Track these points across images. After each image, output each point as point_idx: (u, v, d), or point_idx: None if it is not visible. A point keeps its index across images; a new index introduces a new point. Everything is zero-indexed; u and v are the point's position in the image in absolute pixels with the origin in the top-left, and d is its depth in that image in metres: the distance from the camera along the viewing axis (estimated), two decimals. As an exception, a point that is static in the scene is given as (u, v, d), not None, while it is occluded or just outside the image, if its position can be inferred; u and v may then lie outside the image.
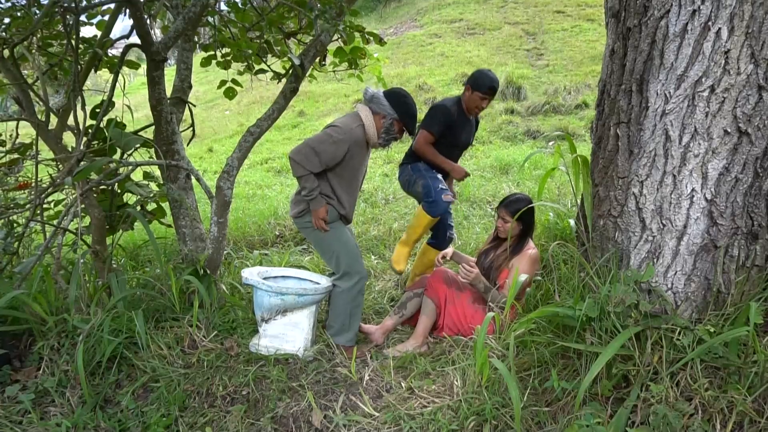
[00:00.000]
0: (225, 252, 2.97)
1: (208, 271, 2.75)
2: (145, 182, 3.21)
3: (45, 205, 2.96)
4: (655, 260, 1.94)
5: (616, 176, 2.03)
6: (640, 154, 1.95)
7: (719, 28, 1.75)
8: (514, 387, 1.84)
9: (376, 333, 2.80)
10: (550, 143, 7.41)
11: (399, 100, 2.68)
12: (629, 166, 1.99)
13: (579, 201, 2.29)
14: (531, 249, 2.68)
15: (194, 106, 3.30)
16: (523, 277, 2.37)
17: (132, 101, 3.42)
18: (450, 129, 3.17)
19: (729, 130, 1.79)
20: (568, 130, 7.56)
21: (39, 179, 2.84)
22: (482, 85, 3.09)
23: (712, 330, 1.77)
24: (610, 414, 1.85)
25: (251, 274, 2.66)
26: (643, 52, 1.92)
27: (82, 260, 2.72)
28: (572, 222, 3.01)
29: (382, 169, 6.66)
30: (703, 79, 1.79)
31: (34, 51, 3.13)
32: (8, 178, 3.04)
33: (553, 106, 8.83)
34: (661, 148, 1.89)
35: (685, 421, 1.69)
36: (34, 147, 2.93)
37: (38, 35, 3.08)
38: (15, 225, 3.03)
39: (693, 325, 1.83)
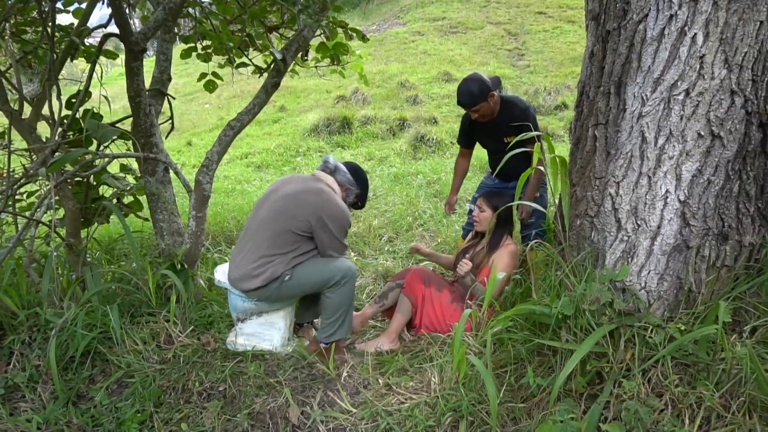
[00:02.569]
0: (203, 247, 2.94)
1: (186, 266, 2.72)
2: (122, 175, 3.15)
3: (17, 197, 2.89)
4: (629, 260, 1.98)
5: (594, 177, 2.06)
6: (617, 155, 1.98)
7: (695, 34, 1.79)
8: (491, 383, 1.86)
9: (354, 320, 2.82)
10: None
11: (360, 175, 2.72)
12: (606, 166, 2.03)
13: (557, 201, 2.32)
14: (510, 245, 2.72)
15: (173, 98, 3.25)
16: (501, 275, 2.40)
17: (109, 92, 3.35)
18: (470, 137, 3.24)
19: (702, 134, 1.83)
20: (547, 131, 7.65)
21: (11, 170, 2.78)
22: None
23: (682, 328, 1.81)
24: (583, 410, 1.88)
25: (224, 274, 2.61)
26: (622, 55, 1.96)
27: (55, 253, 2.67)
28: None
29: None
30: (679, 83, 1.83)
31: (7, 37, 3.05)
32: (-22, 169, 2.96)
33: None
34: (638, 149, 1.93)
35: (656, 416, 1.73)
36: (6, 137, 2.86)
37: (12, 21, 3.00)
38: (-15, 216, 2.96)
39: (665, 323, 1.88)
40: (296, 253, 2.46)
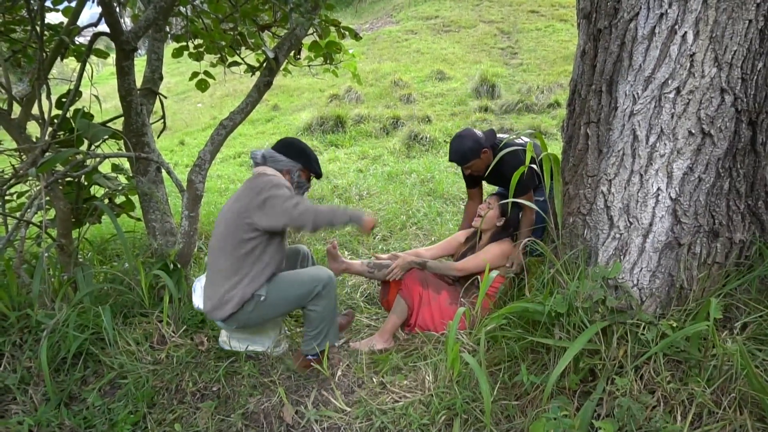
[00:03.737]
0: (196, 247, 2.92)
1: (179, 266, 2.71)
2: (114, 175, 3.13)
3: (7, 197, 2.87)
4: (621, 257, 1.99)
5: (586, 174, 2.07)
6: (609, 153, 1.99)
7: (685, 32, 1.80)
8: (485, 381, 1.86)
9: (337, 267, 2.82)
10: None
11: (295, 149, 2.47)
12: (598, 165, 2.04)
13: (550, 198, 2.33)
14: (505, 243, 2.74)
15: (165, 97, 3.24)
16: (494, 273, 2.40)
17: (100, 92, 3.33)
18: (474, 178, 3.17)
19: (693, 131, 1.85)
20: (540, 129, 7.67)
21: (1, 170, 2.75)
22: None
23: (674, 325, 1.83)
24: (576, 407, 1.89)
25: (201, 297, 2.47)
26: (613, 54, 1.97)
27: (46, 254, 2.65)
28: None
29: (356, 164, 6.65)
30: (670, 81, 1.84)
31: (-5, 37, 3.03)
32: (-32, 169, 2.93)
33: (526, 105, 8.94)
34: (629, 147, 1.94)
35: (648, 413, 1.74)
36: (-4, 137, 2.83)
37: (0, 20, 2.98)
38: (-25, 217, 2.93)
39: (657, 320, 1.89)
40: (261, 264, 2.29)
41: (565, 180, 2.25)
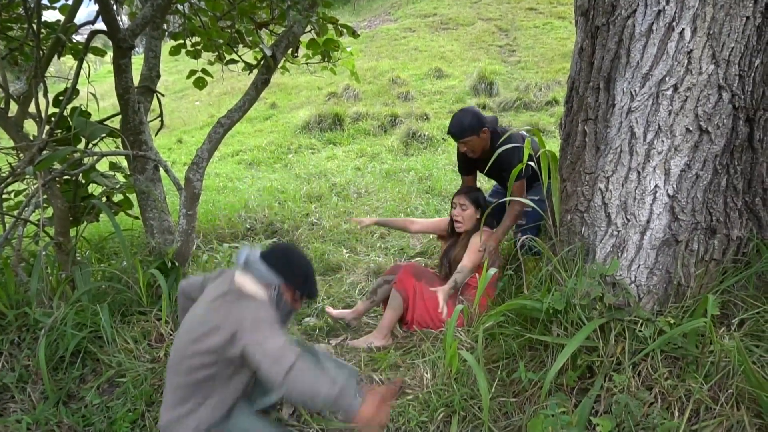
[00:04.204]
0: (194, 245, 2.92)
1: (177, 264, 2.71)
2: (111, 173, 3.13)
3: (4, 196, 2.86)
4: (619, 254, 1.99)
5: (584, 172, 2.07)
6: (607, 150, 1.99)
7: (683, 29, 1.80)
8: (483, 378, 1.86)
9: (348, 317, 2.83)
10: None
11: (282, 260, 1.84)
12: (596, 162, 2.04)
13: (547, 195, 2.33)
14: (486, 230, 2.74)
15: (163, 95, 3.23)
16: (492, 272, 2.40)
17: (98, 90, 3.32)
18: (467, 164, 3.12)
19: (691, 128, 1.85)
20: (538, 127, 7.67)
21: (-3, 168, 2.75)
22: None
23: (672, 322, 1.83)
24: (574, 403, 1.89)
25: None
26: (611, 51, 1.97)
27: (44, 252, 2.64)
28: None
29: (354, 162, 6.64)
30: (667, 78, 1.84)
31: (-8, 35, 3.02)
32: (-35, 167, 2.93)
33: (524, 103, 8.92)
34: (627, 144, 1.94)
35: (646, 409, 1.75)
36: (-8, 135, 2.83)
37: (-3, 19, 2.97)
38: (-28, 216, 2.92)
39: (654, 317, 1.89)
40: (218, 395, 1.76)
41: (562, 177, 2.25)
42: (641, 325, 1.87)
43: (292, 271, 1.85)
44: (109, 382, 2.33)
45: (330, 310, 2.88)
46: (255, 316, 1.68)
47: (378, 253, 3.81)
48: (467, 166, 3.15)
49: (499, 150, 2.47)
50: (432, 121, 8.21)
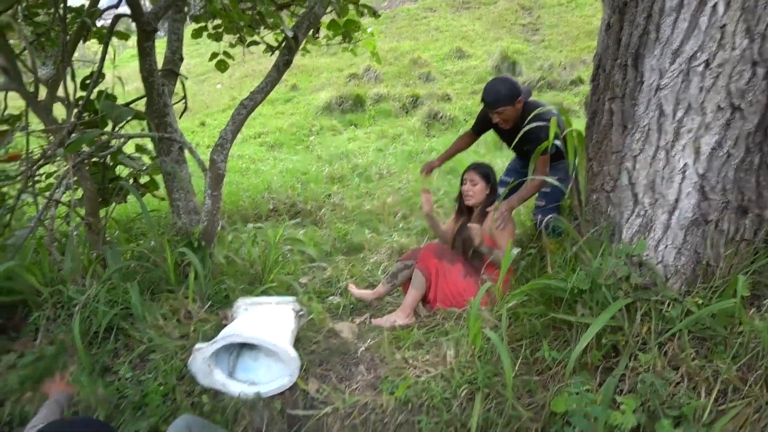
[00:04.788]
0: (219, 225, 2.97)
1: (203, 243, 2.76)
2: (138, 155, 3.18)
3: (36, 178, 2.94)
4: (646, 234, 1.97)
5: (610, 151, 2.04)
6: (634, 128, 1.96)
7: (715, 3, 1.75)
8: (506, 356, 1.87)
9: (368, 298, 2.86)
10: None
11: None
12: (623, 140, 2.01)
13: (573, 175, 2.31)
14: (501, 207, 2.72)
15: (186, 78, 3.26)
16: (516, 251, 2.39)
17: (121, 74, 3.37)
18: (484, 129, 3.16)
19: (722, 106, 1.80)
20: (563, 106, 7.54)
21: (30, 151, 2.82)
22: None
23: (700, 302, 1.81)
24: (599, 382, 1.89)
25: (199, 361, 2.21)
26: (639, 27, 1.92)
27: (75, 232, 2.71)
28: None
29: (375, 144, 6.63)
30: (698, 54, 1.80)
31: (19, 20, 3.07)
32: (-1, 151, 3.01)
33: (548, 82, 8.78)
34: (655, 123, 1.90)
35: (672, 389, 1.74)
36: (23, 118, 2.89)
37: (24, 3, 3.01)
38: (6, 197, 3.01)
39: (682, 297, 1.87)
40: None
41: (588, 156, 2.22)
42: (668, 305, 1.85)
43: None
44: (140, 357, 2.40)
45: (353, 288, 2.91)
46: None
47: (400, 234, 3.83)
48: (484, 128, 3.14)
49: (528, 126, 2.42)
50: (454, 102, 8.14)
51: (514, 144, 2.83)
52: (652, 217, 1.95)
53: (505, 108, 2.76)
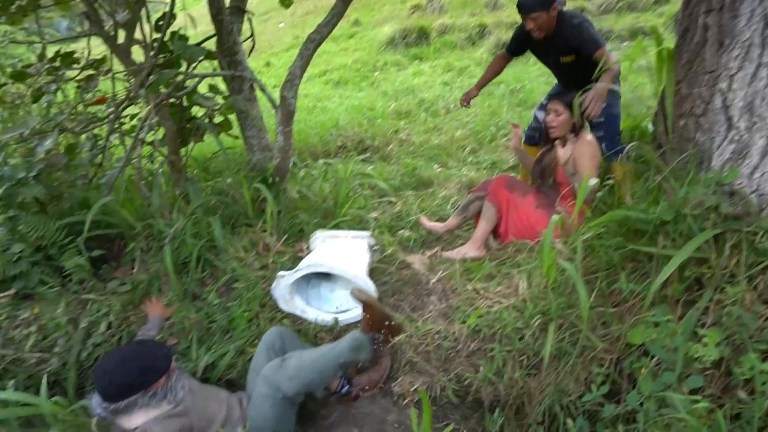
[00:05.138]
0: (291, 161, 3.04)
1: (277, 179, 2.85)
2: (211, 95, 3.27)
3: (121, 120, 3.10)
4: (740, 161, 1.83)
5: (702, 71, 1.88)
6: (732, 44, 1.78)
7: None
8: (582, 286, 1.85)
9: (440, 230, 2.88)
10: (624, 44, 6.86)
11: (115, 386, 1.72)
12: (718, 59, 1.83)
13: (659, 100, 2.16)
14: (587, 135, 2.59)
15: (253, 14, 3.26)
16: (593, 182, 2.30)
17: (192, 13, 3.41)
18: (520, 47, 3.16)
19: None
20: (643, 30, 6.95)
21: (114, 93, 2.96)
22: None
23: (798, 233, 1.69)
24: (679, 316, 1.84)
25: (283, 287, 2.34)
26: (746, -75, 1.70)
27: (160, 170, 2.88)
28: (650, 125, 2.86)
29: (441, 77, 6.45)
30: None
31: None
32: (86, 94, 3.19)
33: (628, 3, 8.08)
34: (758, 36, 1.72)
35: (761, 323, 1.67)
36: (108, 62, 3.02)
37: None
38: (97, 139, 3.22)
39: (777, 228, 1.75)
40: None
41: (676, 79, 2.05)
42: (762, 236, 1.74)
43: (130, 385, 1.73)
44: (225, 286, 2.57)
45: (424, 220, 2.93)
46: None
47: (469, 168, 3.77)
48: (521, 47, 3.15)
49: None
50: (524, 30, 7.70)
51: (545, 53, 2.96)
52: (748, 142, 1.80)
53: (540, 14, 2.76)
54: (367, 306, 2.12)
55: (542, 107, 3.19)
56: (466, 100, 3.31)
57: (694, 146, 1.96)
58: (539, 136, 3.10)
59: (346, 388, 2.15)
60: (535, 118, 3.25)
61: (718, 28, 1.84)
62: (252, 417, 1.91)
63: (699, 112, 1.92)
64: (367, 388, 2.17)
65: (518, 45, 3.17)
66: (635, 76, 4.82)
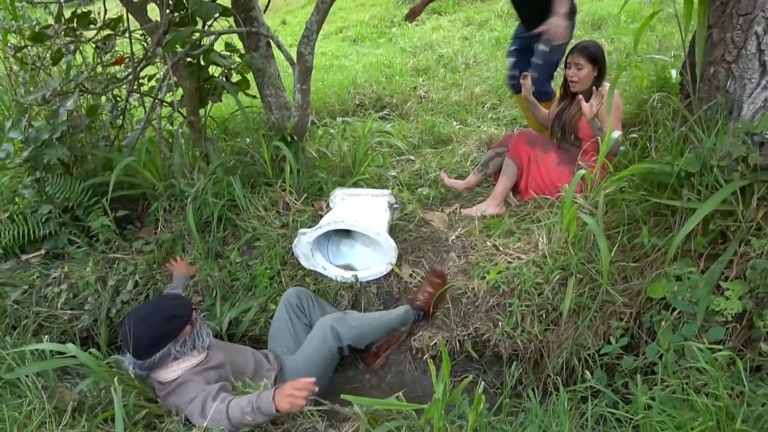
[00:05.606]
0: (309, 120, 3.03)
1: (296, 138, 2.84)
2: (228, 53, 3.23)
3: (139, 80, 3.10)
4: (772, 109, 1.76)
5: (737, 13, 1.79)
6: (770, -16, 1.69)
7: None
8: (603, 240, 1.84)
9: (459, 187, 2.87)
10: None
11: (144, 342, 1.79)
12: (754, 0, 1.74)
13: (687, 48, 2.07)
14: (608, 87, 2.50)
15: (267, -32, 3.18)
16: (617, 134, 2.25)
17: (206, -31, 3.34)
18: None
19: None
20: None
21: (132, 53, 2.95)
22: None
23: (830, 183, 1.63)
24: (701, 270, 1.82)
25: (306, 244, 2.36)
26: None
27: (180, 130, 2.89)
28: (675, 73, 2.76)
29: (461, 32, 6.26)
30: None
31: None
32: (106, 55, 3.18)
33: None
34: (798, -25, 1.63)
35: (786, 276, 1.64)
36: (124, 21, 3.00)
37: None
38: (118, 99, 3.23)
39: (809, 178, 1.70)
40: None
41: (708, 24, 1.96)
42: (791, 187, 1.69)
43: (159, 336, 1.80)
44: (247, 245, 2.62)
45: (444, 176, 2.92)
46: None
47: (489, 124, 3.71)
48: None
49: None
50: (547, -21, 7.39)
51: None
52: (781, 89, 1.73)
53: None
54: (437, 288, 2.24)
55: (511, 53, 3.16)
56: (411, 16, 3.25)
57: (724, 95, 1.88)
58: (516, 84, 3.03)
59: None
60: (513, 66, 3.14)
61: (755, -32, 1.74)
62: (304, 359, 2.05)
63: (731, 58, 1.84)
64: (381, 349, 2.31)
65: None
66: (663, 26, 4.62)
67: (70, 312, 2.51)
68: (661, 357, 1.69)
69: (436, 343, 2.18)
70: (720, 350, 1.53)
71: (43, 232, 2.72)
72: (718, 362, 1.50)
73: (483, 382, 1.61)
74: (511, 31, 5.78)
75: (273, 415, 1.63)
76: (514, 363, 2.00)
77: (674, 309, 1.77)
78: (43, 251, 2.76)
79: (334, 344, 2.05)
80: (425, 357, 2.22)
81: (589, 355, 1.96)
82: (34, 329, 2.45)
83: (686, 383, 1.52)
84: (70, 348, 1.83)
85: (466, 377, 1.69)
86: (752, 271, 1.67)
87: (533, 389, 1.80)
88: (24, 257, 2.76)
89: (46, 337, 2.19)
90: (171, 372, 1.81)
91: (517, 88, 3.09)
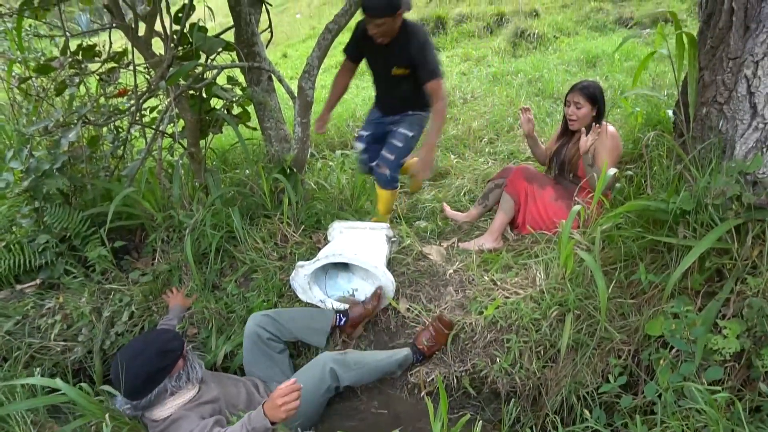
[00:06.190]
0: (309, 153, 3.06)
1: (295, 170, 2.87)
2: (230, 86, 3.29)
3: (141, 112, 3.14)
4: (764, 150, 1.80)
5: (726, 57, 1.84)
6: (759, 29, 1.74)
7: None
8: (600, 277, 1.84)
9: (460, 220, 2.89)
10: (645, 31, 6.72)
11: (140, 381, 1.76)
12: (743, 44, 1.79)
13: (680, 87, 2.12)
14: (609, 127, 2.55)
15: (271, 5, 3.27)
16: (612, 171, 2.28)
17: (211, 4, 3.43)
18: (358, 50, 2.86)
19: None
20: (666, 18, 6.80)
21: (135, 86, 3.00)
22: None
23: (823, 223, 1.65)
24: (699, 307, 1.82)
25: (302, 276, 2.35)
26: None
27: (180, 162, 2.91)
28: (670, 112, 2.81)
29: (459, 67, 6.39)
30: None
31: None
32: (109, 87, 3.23)
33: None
34: (785, 21, 1.68)
35: (783, 315, 1.64)
36: (129, 54, 3.06)
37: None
38: (119, 130, 3.26)
39: (802, 218, 1.72)
40: None
41: (699, 66, 2.01)
42: (785, 226, 1.71)
43: (156, 371, 1.78)
44: (244, 276, 2.61)
45: (446, 207, 2.95)
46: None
47: (486, 159, 3.75)
48: (356, 50, 2.87)
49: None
50: (542, 18, 7.59)
51: (382, 62, 2.75)
52: (772, 130, 1.76)
53: (386, 19, 2.48)
54: (442, 340, 2.22)
55: (361, 138, 3.04)
56: (322, 125, 3.04)
57: (717, 135, 1.92)
58: (367, 167, 2.99)
59: (343, 320, 2.32)
60: (364, 151, 3.04)
61: (744, 12, 1.79)
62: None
63: (722, 99, 1.88)
64: (357, 320, 2.33)
65: (356, 47, 2.87)
66: (656, 65, 4.73)
67: (63, 343, 2.49)
68: (660, 396, 1.68)
69: (433, 379, 2.16)
70: (719, 391, 1.52)
71: (39, 262, 2.71)
72: (717, 403, 1.49)
73: (481, 420, 1.59)
74: (507, 67, 5.92)
75: (270, 429, 1.62)
76: (513, 400, 1.98)
77: (672, 347, 1.76)
78: (38, 281, 2.75)
79: (332, 384, 2.05)
80: (422, 394, 2.19)
81: (587, 392, 1.94)
82: (25, 361, 2.42)
83: (686, 425, 1.50)
84: (59, 384, 1.79)
85: (463, 414, 1.67)
86: (749, 309, 1.68)
87: (531, 427, 1.78)
88: (19, 287, 2.74)
89: (38, 369, 2.16)
90: (166, 409, 1.78)
91: (368, 170, 3.04)
